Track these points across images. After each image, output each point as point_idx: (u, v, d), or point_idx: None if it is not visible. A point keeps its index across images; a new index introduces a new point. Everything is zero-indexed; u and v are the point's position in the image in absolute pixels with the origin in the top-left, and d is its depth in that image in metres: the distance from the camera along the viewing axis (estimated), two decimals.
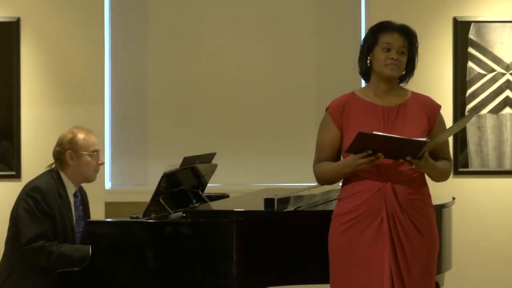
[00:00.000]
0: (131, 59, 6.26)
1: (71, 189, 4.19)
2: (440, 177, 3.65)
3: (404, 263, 3.50)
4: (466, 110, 5.84)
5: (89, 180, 4.25)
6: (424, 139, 3.43)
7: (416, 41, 3.67)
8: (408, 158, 3.43)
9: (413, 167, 3.47)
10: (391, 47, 3.58)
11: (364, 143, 3.43)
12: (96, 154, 4.23)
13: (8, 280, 4.05)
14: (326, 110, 3.69)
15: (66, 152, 4.16)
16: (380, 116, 3.59)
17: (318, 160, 3.69)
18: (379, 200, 3.52)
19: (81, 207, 4.26)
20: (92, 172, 4.22)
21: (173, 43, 6.27)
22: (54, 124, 5.71)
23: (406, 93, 3.68)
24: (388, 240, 3.49)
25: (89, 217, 4.33)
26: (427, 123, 3.61)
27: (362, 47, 3.68)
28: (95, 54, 5.87)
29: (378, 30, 3.63)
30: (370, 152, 3.44)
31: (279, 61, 6.27)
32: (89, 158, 4.19)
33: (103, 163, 4.30)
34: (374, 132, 3.42)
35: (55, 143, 4.24)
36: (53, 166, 4.22)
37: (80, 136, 4.20)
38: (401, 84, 3.71)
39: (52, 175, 4.16)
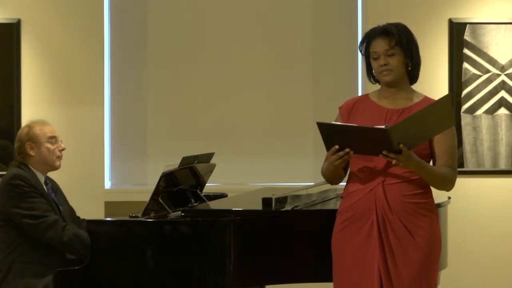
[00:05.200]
0: (131, 60, 6.29)
1: (40, 178, 4.24)
2: (438, 181, 3.56)
3: (393, 265, 3.48)
4: (462, 111, 5.87)
5: (53, 167, 4.29)
6: (383, 126, 3.35)
7: (406, 35, 3.59)
8: (385, 152, 3.37)
9: (394, 162, 3.40)
10: (378, 55, 3.58)
11: (331, 136, 3.41)
12: (55, 140, 4.29)
13: (9, 273, 4.08)
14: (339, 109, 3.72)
15: (26, 144, 4.24)
16: (383, 118, 3.57)
17: (325, 159, 3.68)
18: (370, 201, 3.52)
19: (53, 194, 4.30)
20: (55, 158, 4.28)
21: (172, 43, 6.29)
22: (54, 125, 5.63)
23: (417, 97, 3.65)
24: (378, 243, 3.48)
25: (67, 202, 4.37)
26: None
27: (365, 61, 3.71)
28: (95, 55, 5.88)
29: (364, 42, 3.64)
30: (337, 147, 3.42)
31: (276, 61, 6.29)
32: (48, 145, 4.26)
33: (64, 149, 4.33)
34: (332, 122, 3.42)
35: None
36: (15, 163, 4.26)
37: (36, 127, 4.29)
38: (414, 86, 3.67)
39: (21, 167, 4.22)
